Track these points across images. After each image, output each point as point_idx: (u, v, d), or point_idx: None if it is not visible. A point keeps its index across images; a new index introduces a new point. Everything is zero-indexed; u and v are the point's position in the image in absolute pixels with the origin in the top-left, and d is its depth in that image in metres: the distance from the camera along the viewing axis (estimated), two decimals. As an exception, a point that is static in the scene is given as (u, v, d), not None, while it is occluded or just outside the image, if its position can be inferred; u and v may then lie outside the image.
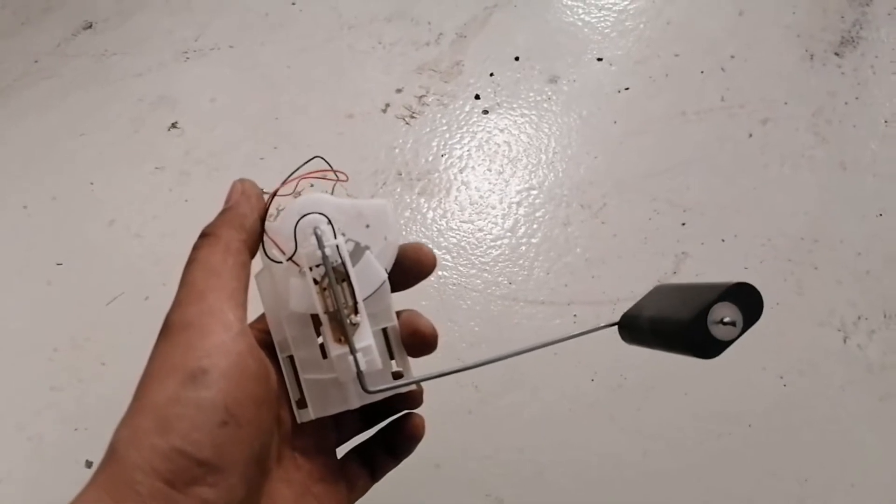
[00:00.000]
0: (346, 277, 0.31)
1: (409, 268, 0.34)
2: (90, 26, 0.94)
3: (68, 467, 0.62)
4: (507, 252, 0.72)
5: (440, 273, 0.70)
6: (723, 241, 0.71)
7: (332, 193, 0.33)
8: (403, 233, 0.72)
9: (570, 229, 0.73)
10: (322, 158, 0.33)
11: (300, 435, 0.34)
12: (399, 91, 0.83)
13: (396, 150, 0.79)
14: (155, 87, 0.87)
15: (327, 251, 0.31)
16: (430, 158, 0.78)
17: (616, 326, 0.35)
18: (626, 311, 0.34)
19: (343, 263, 0.31)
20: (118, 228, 0.76)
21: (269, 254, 0.33)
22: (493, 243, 0.72)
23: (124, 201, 0.78)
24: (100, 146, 0.82)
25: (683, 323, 0.28)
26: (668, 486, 0.60)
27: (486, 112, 0.81)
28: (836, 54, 0.83)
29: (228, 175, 0.77)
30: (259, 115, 0.83)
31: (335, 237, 0.32)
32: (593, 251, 0.71)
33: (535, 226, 0.73)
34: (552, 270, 0.70)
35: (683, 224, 0.72)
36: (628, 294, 0.68)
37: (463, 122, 0.81)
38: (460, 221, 0.73)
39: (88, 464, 0.62)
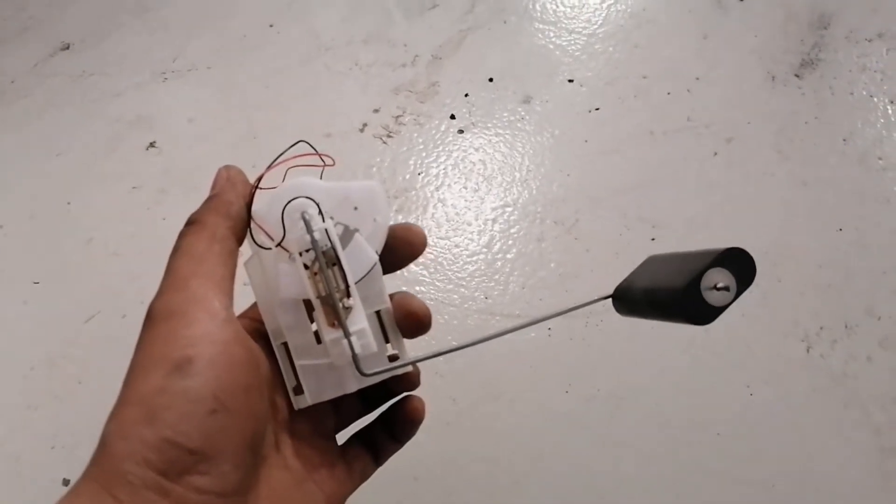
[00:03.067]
0: (336, 261, 0.31)
1: (400, 248, 0.34)
2: (67, 47, 0.95)
3: (46, 486, 0.62)
4: (483, 267, 0.73)
5: (418, 288, 0.71)
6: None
7: (321, 177, 0.33)
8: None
9: (544, 245, 0.75)
10: (307, 143, 0.33)
11: (298, 421, 0.33)
12: (376, 111, 0.85)
13: (374, 169, 0.80)
14: (132, 107, 0.87)
15: (316, 235, 0.30)
16: (407, 177, 0.80)
17: (610, 299, 0.34)
18: (618, 283, 0.34)
19: (333, 247, 0.31)
20: (95, 247, 0.76)
21: (257, 240, 0.32)
22: (469, 259, 0.74)
23: (102, 220, 0.78)
24: (77, 165, 0.82)
25: (677, 291, 0.28)
26: (639, 494, 0.62)
27: (461, 131, 0.83)
28: (797, 76, 0.87)
29: (205, 194, 0.78)
30: (237, 134, 0.84)
31: (323, 221, 0.31)
32: (567, 266, 0.73)
33: (510, 242, 0.75)
34: (527, 285, 0.72)
35: (653, 239, 0.74)
36: (600, 307, 0.69)
37: (439, 142, 0.83)
38: (437, 238, 0.75)
39: (66, 482, 0.62)
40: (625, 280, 0.34)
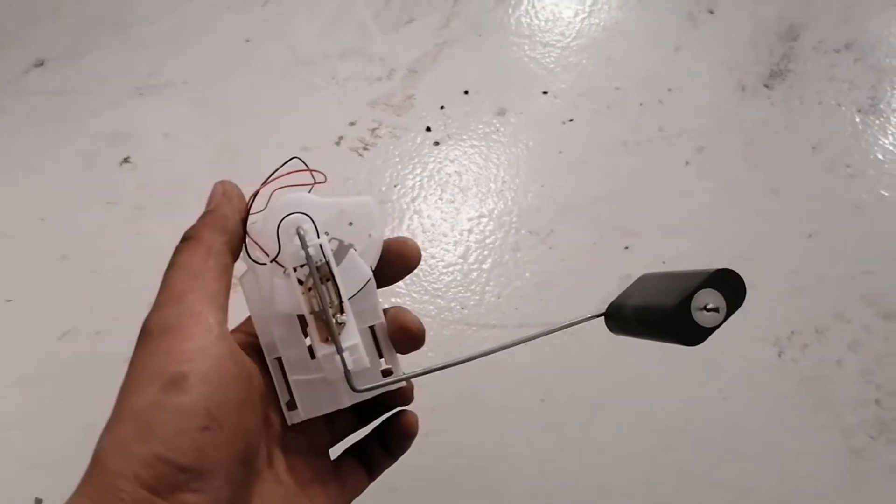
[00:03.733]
0: (330, 277, 0.31)
1: (394, 262, 0.34)
2: (42, 63, 0.94)
3: (20, 505, 0.61)
4: (459, 278, 0.74)
5: (393, 300, 0.72)
6: (664, 262, 0.74)
7: (310, 192, 0.33)
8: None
9: (519, 255, 0.75)
10: (299, 159, 0.33)
11: (291, 436, 0.33)
12: (352, 124, 0.86)
13: (350, 181, 0.81)
14: (108, 123, 0.87)
15: (311, 251, 0.30)
16: (384, 189, 0.80)
17: (602, 317, 0.34)
18: (612, 300, 0.34)
19: (327, 263, 0.31)
20: (70, 263, 0.76)
21: (252, 255, 0.32)
22: (445, 270, 0.74)
23: (76, 236, 0.77)
24: (51, 181, 0.82)
25: (668, 311, 0.28)
26: (617, 500, 0.62)
27: (437, 143, 0.84)
28: (766, 86, 0.88)
29: (182, 209, 0.78)
30: (214, 149, 0.84)
31: (318, 236, 0.31)
32: (542, 275, 0.74)
33: (485, 252, 0.75)
34: (503, 295, 0.73)
35: (627, 248, 0.75)
36: (577, 316, 0.70)
37: (415, 154, 0.83)
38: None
39: (38, 502, 0.61)
40: (617, 298, 0.34)
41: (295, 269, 0.31)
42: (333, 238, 0.32)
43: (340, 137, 0.84)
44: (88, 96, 0.90)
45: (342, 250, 0.32)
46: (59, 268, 0.75)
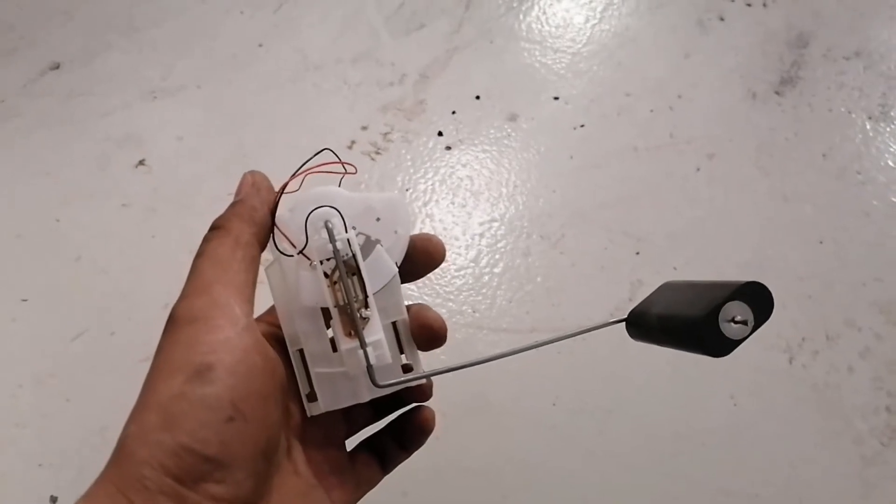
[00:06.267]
0: (356, 271, 0.31)
1: (419, 258, 0.34)
2: (57, 67, 0.95)
3: (32, 504, 0.62)
4: (470, 282, 0.74)
5: (405, 303, 0.72)
6: (675, 268, 0.74)
7: (339, 185, 0.33)
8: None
9: (530, 259, 0.75)
10: (331, 151, 0.33)
11: (310, 428, 0.34)
12: (364, 128, 0.86)
13: (363, 185, 0.81)
14: (122, 126, 0.88)
15: (338, 244, 0.31)
16: (396, 192, 0.81)
17: (624, 323, 0.34)
18: (633, 307, 0.34)
19: (354, 257, 0.31)
20: (84, 265, 0.76)
21: (279, 247, 0.32)
22: (456, 273, 0.74)
23: (90, 238, 0.78)
24: (66, 184, 0.83)
25: (695, 321, 0.28)
26: (628, 506, 0.62)
27: (448, 148, 0.85)
28: (777, 93, 0.89)
29: (195, 211, 0.78)
30: (226, 152, 0.85)
31: (346, 231, 0.31)
32: (553, 280, 0.74)
33: (497, 256, 0.76)
34: (514, 299, 0.73)
35: (637, 253, 0.75)
36: (587, 320, 0.70)
37: (426, 158, 0.84)
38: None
39: (53, 500, 0.62)
40: (639, 305, 0.33)
41: (321, 263, 0.31)
42: (360, 233, 0.32)
43: (353, 141, 0.85)
44: (102, 99, 0.91)
45: (369, 245, 0.32)
46: (73, 269, 0.76)
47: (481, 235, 0.77)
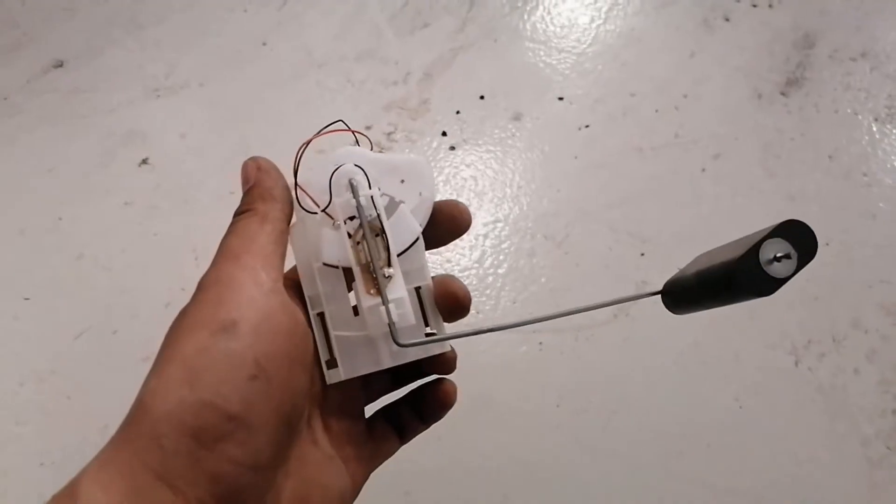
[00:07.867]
0: (380, 230, 0.31)
1: (444, 224, 0.33)
2: (60, 64, 0.95)
3: (33, 503, 0.61)
4: (474, 282, 0.74)
5: (409, 303, 0.72)
6: (679, 269, 0.74)
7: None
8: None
9: (534, 260, 0.75)
10: (343, 122, 0.33)
11: (329, 396, 0.33)
12: (368, 127, 0.86)
13: (365, 185, 0.81)
14: (125, 123, 0.88)
15: (362, 201, 0.30)
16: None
17: (659, 295, 0.33)
18: (667, 280, 0.33)
19: (378, 215, 0.31)
20: (86, 262, 0.76)
21: (303, 205, 0.32)
22: (460, 274, 0.74)
23: (93, 235, 0.78)
24: (68, 181, 0.82)
25: (734, 264, 0.27)
26: (632, 508, 0.62)
27: (452, 148, 0.84)
28: (783, 94, 0.88)
29: (198, 209, 0.78)
30: (229, 149, 0.84)
31: (370, 188, 0.31)
32: (557, 280, 0.74)
33: (501, 257, 0.75)
34: (518, 300, 0.72)
35: (642, 254, 0.75)
36: (591, 321, 0.70)
37: (430, 158, 0.83)
38: (428, 253, 0.75)
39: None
40: (674, 276, 0.33)
41: (345, 222, 0.31)
42: (384, 194, 0.32)
43: (356, 141, 0.84)
44: (105, 96, 0.91)
45: (392, 206, 0.32)
46: (75, 266, 0.75)
47: (485, 236, 0.77)
